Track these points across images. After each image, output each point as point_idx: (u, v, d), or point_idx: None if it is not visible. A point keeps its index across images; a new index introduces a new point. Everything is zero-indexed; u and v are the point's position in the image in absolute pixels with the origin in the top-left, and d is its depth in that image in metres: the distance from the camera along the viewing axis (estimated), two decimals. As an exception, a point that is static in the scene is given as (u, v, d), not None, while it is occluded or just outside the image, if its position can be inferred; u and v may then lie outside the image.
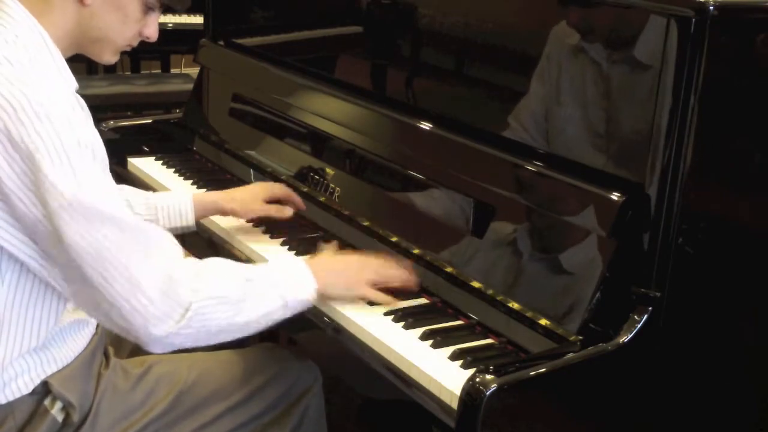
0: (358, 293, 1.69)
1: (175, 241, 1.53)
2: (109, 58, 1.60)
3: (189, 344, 1.51)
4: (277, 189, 2.04)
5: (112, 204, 1.44)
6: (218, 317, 1.50)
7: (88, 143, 1.43)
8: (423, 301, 1.71)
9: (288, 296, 1.58)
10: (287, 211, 1.98)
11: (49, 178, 1.38)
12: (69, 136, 1.40)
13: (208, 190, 2.28)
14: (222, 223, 2.05)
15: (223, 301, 1.50)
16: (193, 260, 1.55)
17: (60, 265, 1.44)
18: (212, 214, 2.02)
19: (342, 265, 1.73)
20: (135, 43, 1.60)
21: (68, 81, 1.52)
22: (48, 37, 1.49)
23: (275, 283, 1.58)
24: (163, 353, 1.52)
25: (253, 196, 2.00)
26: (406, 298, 1.70)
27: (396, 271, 1.72)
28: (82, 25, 1.52)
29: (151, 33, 1.59)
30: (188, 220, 1.97)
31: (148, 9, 1.56)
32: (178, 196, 2.00)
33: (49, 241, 1.42)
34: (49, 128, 1.38)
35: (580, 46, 1.60)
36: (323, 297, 1.65)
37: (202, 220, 2.05)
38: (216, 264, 1.56)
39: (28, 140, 1.38)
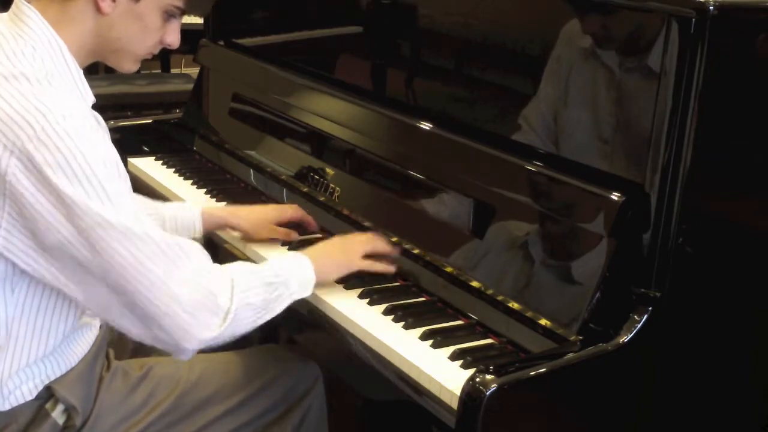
0: (352, 269, 1.75)
1: (204, 250, 1.53)
2: (130, 67, 1.57)
3: (216, 344, 1.53)
4: (289, 212, 1.99)
5: (141, 221, 1.43)
6: (248, 321, 1.54)
7: (111, 160, 1.41)
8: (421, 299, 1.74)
9: (296, 295, 1.64)
10: (294, 235, 1.95)
11: (78, 198, 1.36)
12: (93, 154, 1.37)
13: (208, 190, 2.28)
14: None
15: (254, 306, 1.54)
16: (219, 267, 1.54)
17: (91, 286, 1.43)
18: (220, 229, 2.01)
19: (331, 248, 1.78)
20: (156, 51, 1.57)
21: (85, 95, 1.50)
22: (66, 49, 1.46)
23: (287, 283, 1.62)
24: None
25: (264, 219, 1.96)
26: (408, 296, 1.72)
27: (380, 241, 1.80)
28: (102, 35, 1.49)
29: (173, 40, 1.56)
30: (197, 233, 1.96)
31: (168, 17, 1.52)
32: (187, 208, 1.98)
33: (79, 262, 1.40)
34: (72, 147, 1.36)
35: (580, 46, 1.60)
36: (320, 284, 1.71)
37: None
38: (242, 270, 1.57)
39: (51, 160, 1.35)
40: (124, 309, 1.45)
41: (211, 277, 1.49)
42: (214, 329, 1.48)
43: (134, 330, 1.48)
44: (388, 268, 1.79)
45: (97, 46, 1.51)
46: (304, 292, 1.66)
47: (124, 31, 1.49)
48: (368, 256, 1.77)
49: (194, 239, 1.91)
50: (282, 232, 1.95)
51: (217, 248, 2.01)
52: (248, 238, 1.96)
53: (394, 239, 1.84)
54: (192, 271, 1.47)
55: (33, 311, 1.50)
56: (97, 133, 1.41)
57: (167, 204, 1.99)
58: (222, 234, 2.04)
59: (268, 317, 1.58)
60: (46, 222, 1.38)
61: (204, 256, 1.52)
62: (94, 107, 1.51)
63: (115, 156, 1.43)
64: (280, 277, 1.61)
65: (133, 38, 1.51)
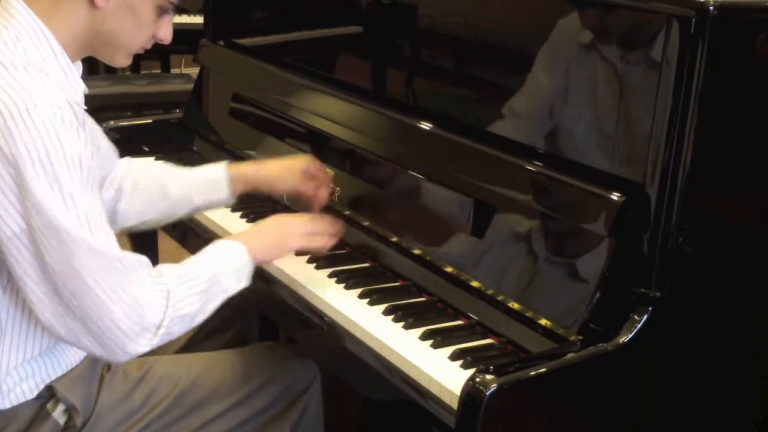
0: (292, 248, 1.74)
1: (149, 263, 1.50)
2: (122, 61, 1.57)
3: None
4: (312, 166, 1.92)
5: (92, 230, 1.40)
6: (181, 329, 1.52)
7: (75, 157, 1.38)
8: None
9: (231, 291, 1.61)
10: (323, 192, 1.88)
11: (35, 195, 1.35)
12: (57, 150, 1.36)
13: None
14: (222, 223, 2.05)
15: (187, 316, 1.52)
16: (158, 279, 1.50)
17: (33, 282, 1.41)
18: (250, 189, 1.94)
19: (266, 229, 1.74)
20: (149, 46, 1.58)
21: (74, 84, 1.50)
22: (54, 40, 1.46)
23: (220, 282, 1.58)
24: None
25: (288, 168, 1.89)
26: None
27: (319, 222, 1.78)
28: (94, 28, 1.49)
29: (165, 35, 1.57)
30: (222, 193, 1.90)
31: (161, 12, 1.53)
32: (212, 170, 1.93)
33: (24, 256, 1.39)
34: (37, 140, 1.35)
35: (579, 45, 1.60)
36: (259, 266, 1.69)
37: (198, 218, 2.04)
38: (178, 279, 1.52)
39: (15, 151, 1.35)
40: (58, 310, 1.42)
41: (150, 295, 1.46)
42: (146, 344, 1.46)
43: (64, 333, 1.45)
44: (326, 243, 1.77)
45: (89, 40, 1.50)
46: (238, 285, 1.61)
47: (117, 25, 1.49)
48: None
49: (223, 201, 1.91)
50: (310, 186, 1.87)
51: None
52: (275, 189, 1.90)
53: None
54: (132, 289, 1.43)
55: (27, 307, 1.50)
56: (68, 127, 1.39)
57: (195, 169, 1.93)
58: (214, 229, 2.04)
59: (201, 319, 1.56)
60: None
61: (146, 271, 1.48)
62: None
63: (82, 152, 1.40)
64: (214, 278, 1.56)
65: (126, 32, 1.51)
